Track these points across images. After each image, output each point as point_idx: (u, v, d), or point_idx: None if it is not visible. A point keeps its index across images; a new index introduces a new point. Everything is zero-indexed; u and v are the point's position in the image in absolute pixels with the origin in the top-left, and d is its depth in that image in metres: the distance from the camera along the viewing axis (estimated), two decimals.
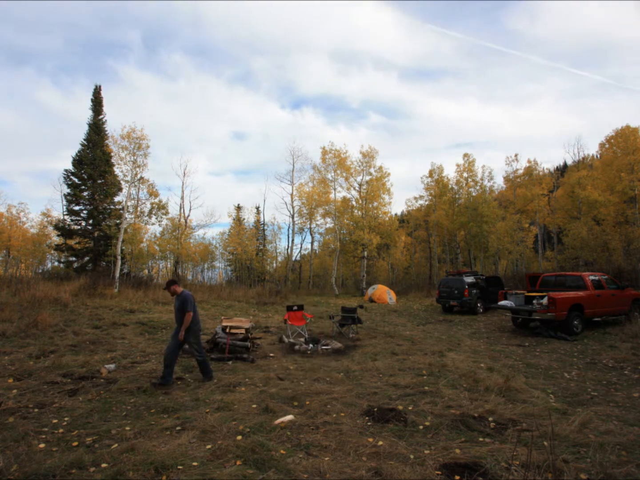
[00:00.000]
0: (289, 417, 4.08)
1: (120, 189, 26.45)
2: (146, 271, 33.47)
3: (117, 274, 18.62)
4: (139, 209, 25.04)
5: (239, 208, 45.12)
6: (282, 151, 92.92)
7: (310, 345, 8.11)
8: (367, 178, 29.41)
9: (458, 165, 30.83)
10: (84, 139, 26.78)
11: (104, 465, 3.04)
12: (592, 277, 10.70)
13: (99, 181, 26.30)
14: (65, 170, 26.03)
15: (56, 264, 30.88)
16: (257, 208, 42.84)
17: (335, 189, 30.33)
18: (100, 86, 27.70)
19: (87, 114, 28.19)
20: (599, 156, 30.12)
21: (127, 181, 20.98)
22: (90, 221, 26.40)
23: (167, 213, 25.86)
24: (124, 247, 23.18)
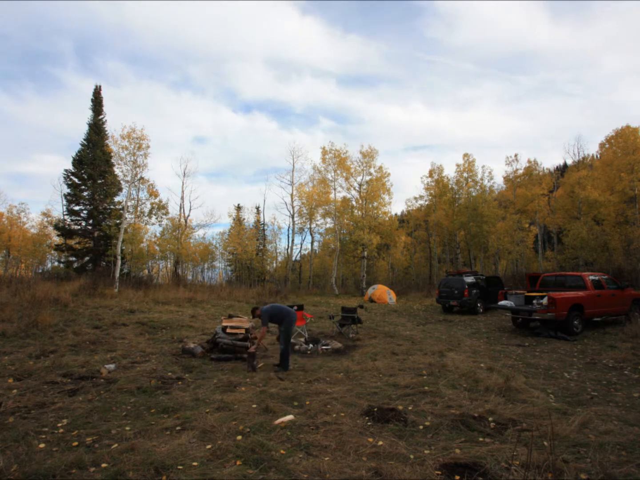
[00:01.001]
0: (289, 417, 4.08)
1: (120, 189, 26.48)
2: (146, 271, 33.44)
3: (117, 274, 18.62)
4: (139, 209, 25.06)
5: (239, 208, 45.14)
6: (248, 154, 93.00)
7: (310, 345, 8.11)
8: (367, 178, 29.44)
9: (458, 165, 30.86)
10: (84, 139, 26.80)
11: (104, 465, 3.04)
12: (592, 277, 10.70)
13: (99, 181, 26.32)
14: (65, 170, 26.07)
15: (56, 264, 30.89)
16: (257, 208, 42.87)
17: (335, 189, 30.36)
18: (100, 86, 27.74)
19: (88, 114, 28.06)
20: (599, 156, 30.13)
21: (127, 181, 21.00)
22: (90, 221, 26.41)
23: (167, 213, 25.91)
24: (124, 247, 23.18)
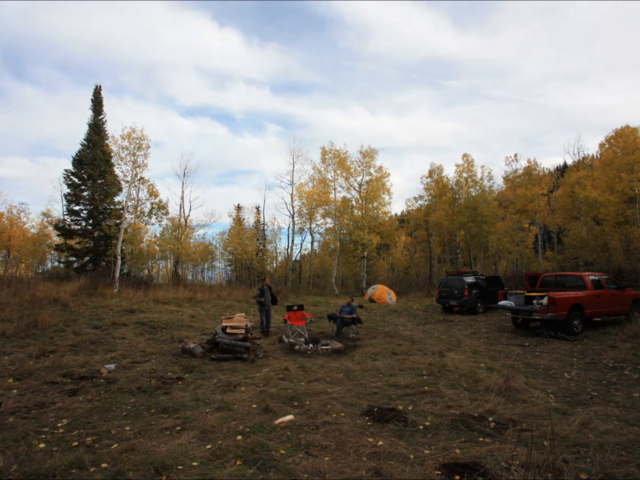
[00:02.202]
0: (289, 417, 4.08)
1: (120, 189, 26.44)
2: (146, 271, 33.44)
3: (117, 274, 18.62)
4: (139, 209, 25.06)
5: (239, 208, 45.13)
6: (208, 156, 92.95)
7: (310, 345, 8.11)
8: (367, 178, 29.44)
9: (458, 166, 30.85)
10: (84, 139, 26.78)
11: (104, 465, 3.04)
12: (592, 277, 10.70)
13: (99, 181, 26.29)
14: (65, 170, 26.03)
15: (56, 264, 30.89)
16: (257, 208, 42.82)
17: (335, 189, 30.35)
18: (100, 86, 27.71)
19: (88, 114, 28.04)
20: (598, 156, 30.12)
21: (127, 181, 21.00)
22: (90, 221, 26.39)
23: (167, 213, 25.92)
24: (124, 247, 23.19)
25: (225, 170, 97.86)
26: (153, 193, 25.13)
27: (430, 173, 32.67)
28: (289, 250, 33.29)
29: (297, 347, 7.99)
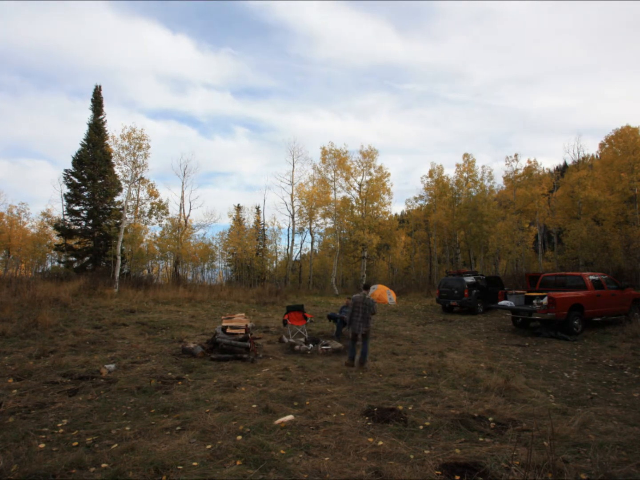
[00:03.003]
0: (289, 417, 4.08)
1: (120, 189, 26.45)
2: (146, 271, 33.45)
3: (117, 274, 18.62)
4: (139, 209, 25.06)
5: (239, 208, 45.15)
6: (175, 158, 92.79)
7: (310, 345, 8.11)
8: (367, 178, 29.46)
9: (458, 166, 30.85)
10: (84, 139, 26.78)
11: (104, 465, 3.04)
12: (592, 277, 10.70)
13: (99, 181, 26.30)
14: (65, 170, 26.03)
15: (56, 264, 30.89)
16: (257, 208, 42.85)
17: (335, 189, 30.36)
18: (100, 86, 27.71)
19: (88, 114, 28.04)
20: (599, 156, 30.12)
21: (127, 181, 21.00)
22: (90, 221, 26.39)
23: (167, 213, 25.91)
24: (124, 247, 23.19)
25: (203, 172, 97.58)
26: (153, 193, 25.13)
27: (431, 173, 32.68)
28: (289, 250, 33.31)
29: (297, 347, 7.99)
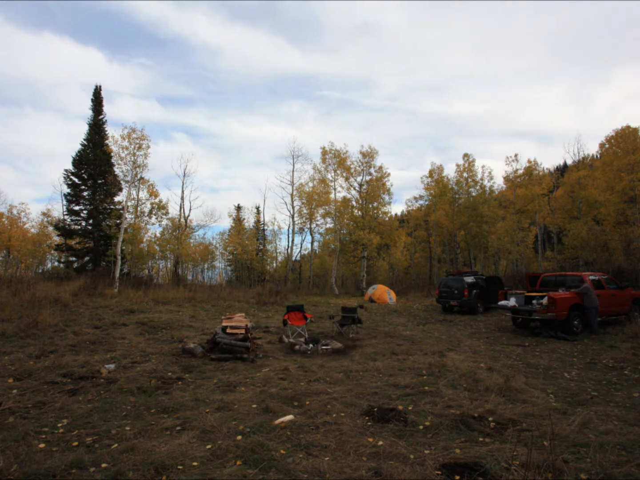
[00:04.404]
0: (289, 417, 4.08)
1: (120, 189, 26.44)
2: (146, 271, 33.44)
3: (117, 274, 18.62)
4: (139, 209, 25.05)
5: (239, 208, 45.16)
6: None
7: (310, 345, 8.11)
8: (367, 178, 29.45)
9: (458, 166, 30.86)
10: (84, 139, 26.78)
11: (104, 465, 3.04)
12: (592, 277, 10.70)
13: (99, 181, 26.30)
14: (65, 170, 26.02)
15: (56, 264, 30.89)
16: (257, 208, 42.89)
17: (335, 189, 30.37)
18: (100, 86, 27.71)
19: (88, 114, 28.03)
20: (599, 156, 30.12)
21: (127, 181, 21.00)
22: (90, 221, 26.39)
23: (167, 213, 25.91)
24: (124, 247, 23.18)
25: (163, 175, 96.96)
26: (153, 193, 25.11)
27: (431, 173, 32.68)
28: (289, 250, 33.30)
29: (297, 347, 7.99)
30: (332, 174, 30.18)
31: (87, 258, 26.43)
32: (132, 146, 19.83)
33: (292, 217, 31.31)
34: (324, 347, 7.98)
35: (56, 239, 31.01)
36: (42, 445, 3.39)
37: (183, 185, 29.63)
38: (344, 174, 29.79)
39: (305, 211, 30.71)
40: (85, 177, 26.24)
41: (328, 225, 31.36)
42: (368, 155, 29.19)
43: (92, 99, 27.43)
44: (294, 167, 31.25)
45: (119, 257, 19.24)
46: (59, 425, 3.87)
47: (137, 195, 25.01)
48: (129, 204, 22.69)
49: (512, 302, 10.89)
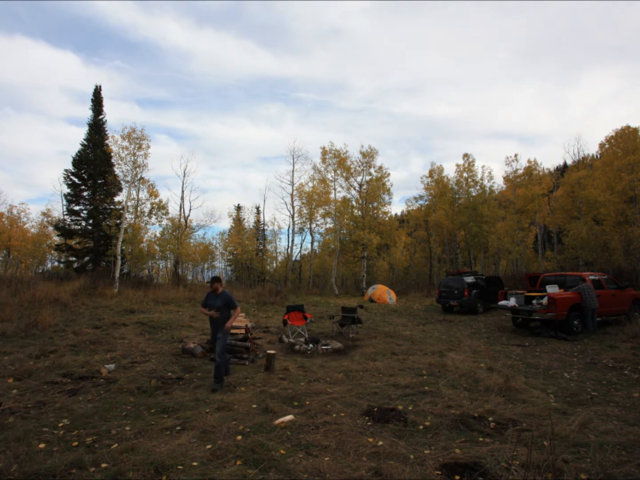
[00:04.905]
0: (289, 417, 4.08)
1: (120, 189, 26.43)
2: (146, 271, 33.45)
3: (117, 274, 18.63)
4: (139, 209, 25.05)
5: (239, 208, 45.17)
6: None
7: (310, 345, 8.11)
8: (367, 178, 29.44)
9: (458, 166, 30.83)
10: (84, 139, 26.77)
11: (104, 465, 3.04)
12: (592, 277, 10.70)
13: (99, 181, 26.29)
14: (65, 170, 26.01)
15: (56, 264, 30.89)
16: (257, 208, 42.89)
17: (335, 189, 30.36)
18: (100, 86, 27.70)
19: (88, 114, 28.02)
20: (599, 156, 30.12)
21: (127, 181, 21.00)
22: (90, 221, 26.38)
23: (167, 213, 25.90)
24: (124, 247, 23.17)
25: (151, 175, 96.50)
26: (153, 193, 25.11)
27: (431, 173, 32.68)
28: (289, 250, 33.29)
29: (297, 347, 7.99)
30: (332, 174, 30.20)
31: (87, 258, 26.42)
32: (132, 146, 19.84)
33: (292, 217, 31.32)
34: (324, 347, 7.98)
35: (56, 239, 31.00)
36: (42, 445, 3.39)
37: (183, 185, 29.64)
38: (344, 174, 29.79)
39: (305, 211, 30.71)
40: (85, 177, 26.23)
41: (328, 225, 31.38)
42: (368, 155, 29.19)
43: (92, 99, 27.42)
44: (294, 167, 31.27)
45: (119, 257, 19.24)
46: (59, 425, 3.87)
47: (137, 195, 25.01)
48: (129, 204, 22.70)
49: (512, 302, 10.89)
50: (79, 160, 26.09)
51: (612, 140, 25.88)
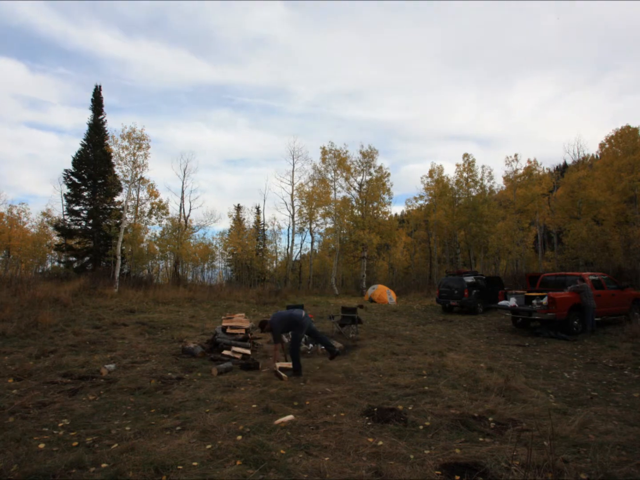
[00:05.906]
0: (289, 417, 4.08)
1: (120, 189, 26.43)
2: (146, 271, 33.45)
3: (117, 274, 18.61)
4: (139, 209, 25.05)
5: (239, 208, 45.17)
6: None
7: (310, 345, 8.11)
8: (367, 178, 29.45)
9: (458, 165, 30.82)
10: (84, 139, 26.77)
11: (104, 465, 3.03)
12: (592, 277, 10.70)
13: (99, 181, 26.29)
14: (65, 170, 26.02)
15: (56, 264, 30.90)
16: (257, 208, 42.92)
17: (335, 189, 30.36)
18: (100, 86, 27.71)
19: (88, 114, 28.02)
20: (599, 156, 30.13)
21: (127, 181, 20.99)
22: (90, 221, 26.39)
23: (167, 213, 25.90)
24: (124, 247, 23.16)
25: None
26: (153, 193, 25.10)
27: (431, 173, 32.67)
28: (289, 250, 33.30)
29: None
30: (332, 174, 30.21)
31: (87, 258, 26.42)
32: (132, 146, 19.82)
33: (292, 217, 31.32)
34: (323, 347, 7.97)
35: (56, 239, 31.00)
36: (42, 445, 3.38)
37: (183, 185, 29.65)
38: (344, 174, 29.81)
39: (305, 211, 30.71)
40: (85, 177, 26.24)
41: (328, 225, 31.37)
42: (368, 155, 29.20)
43: (92, 99, 27.43)
44: (293, 167, 31.27)
45: (119, 257, 19.23)
46: (59, 425, 3.86)
47: (137, 195, 25.01)
48: (129, 204, 22.68)
49: (512, 302, 10.88)
50: (79, 160, 26.09)
51: (612, 140, 25.89)
